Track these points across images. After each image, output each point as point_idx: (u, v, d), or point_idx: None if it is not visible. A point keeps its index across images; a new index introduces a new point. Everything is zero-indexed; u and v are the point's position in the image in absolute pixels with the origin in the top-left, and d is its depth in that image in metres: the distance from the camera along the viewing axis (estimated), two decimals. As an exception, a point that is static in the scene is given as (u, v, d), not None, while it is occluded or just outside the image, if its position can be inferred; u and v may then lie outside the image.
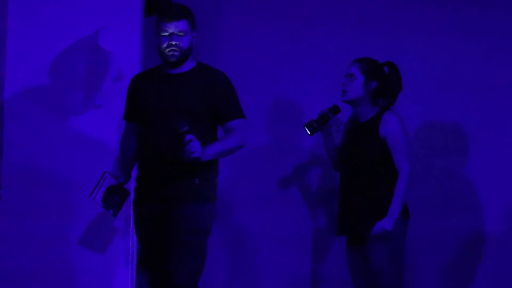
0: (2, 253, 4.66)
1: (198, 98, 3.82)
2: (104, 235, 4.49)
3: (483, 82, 5.19)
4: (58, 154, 4.45)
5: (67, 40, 4.54)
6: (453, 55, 5.20)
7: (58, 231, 4.53)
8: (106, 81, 4.55)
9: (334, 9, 5.32)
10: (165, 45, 3.81)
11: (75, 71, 4.54)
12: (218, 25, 5.46)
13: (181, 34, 3.81)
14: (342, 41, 5.24)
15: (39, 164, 4.51)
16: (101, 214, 4.48)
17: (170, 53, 3.82)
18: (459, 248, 5.20)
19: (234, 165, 5.22)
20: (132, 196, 4.04)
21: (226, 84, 3.91)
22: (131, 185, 4.02)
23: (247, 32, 5.41)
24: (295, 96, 5.34)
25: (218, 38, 5.45)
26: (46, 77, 4.55)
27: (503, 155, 5.16)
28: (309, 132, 4.41)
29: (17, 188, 4.52)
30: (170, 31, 3.79)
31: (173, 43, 3.79)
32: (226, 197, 5.21)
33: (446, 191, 5.20)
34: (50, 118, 4.44)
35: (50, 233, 4.64)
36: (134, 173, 4.03)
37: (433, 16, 5.20)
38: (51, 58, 4.58)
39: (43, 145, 4.47)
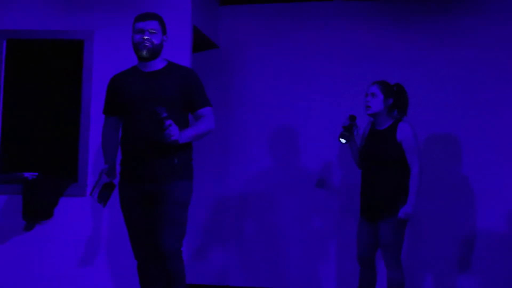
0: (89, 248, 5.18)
1: (172, 90, 3.90)
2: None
3: (476, 101, 5.65)
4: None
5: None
6: (452, 80, 5.70)
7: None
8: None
9: (341, 49, 5.90)
10: (138, 39, 3.93)
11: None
12: (245, 62, 6.05)
13: (153, 31, 3.93)
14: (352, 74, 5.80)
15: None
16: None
17: (142, 45, 3.90)
18: (456, 237, 5.64)
19: (274, 173, 5.95)
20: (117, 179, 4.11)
21: (195, 79, 4.00)
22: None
23: (269, 70, 6.01)
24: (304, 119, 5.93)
25: (246, 75, 6.04)
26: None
27: (492, 159, 5.60)
28: (344, 141, 4.70)
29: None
30: (143, 28, 3.93)
31: (145, 37, 3.90)
32: (268, 194, 5.94)
33: (445, 187, 5.64)
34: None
35: (116, 227, 4.98)
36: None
37: (440, 51, 5.72)
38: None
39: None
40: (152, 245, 3.91)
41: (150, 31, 3.92)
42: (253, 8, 6.08)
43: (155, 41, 3.92)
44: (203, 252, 6.12)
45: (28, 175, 5.19)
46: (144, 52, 3.90)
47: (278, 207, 5.98)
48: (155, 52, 3.94)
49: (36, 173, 5.23)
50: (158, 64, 3.98)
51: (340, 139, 4.70)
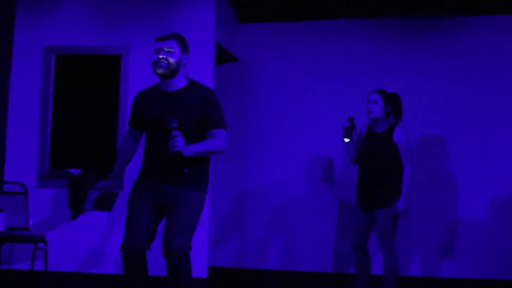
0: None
1: (189, 111, 3.81)
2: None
3: (461, 107, 5.94)
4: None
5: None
6: (441, 89, 5.99)
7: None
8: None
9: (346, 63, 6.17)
10: (155, 59, 3.85)
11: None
12: (261, 72, 6.36)
13: (169, 50, 3.82)
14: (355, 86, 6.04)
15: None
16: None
17: (158, 64, 3.80)
18: (441, 225, 5.89)
19: (287, 171, 6.22)
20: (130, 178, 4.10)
21: (213, 99, 3.88)
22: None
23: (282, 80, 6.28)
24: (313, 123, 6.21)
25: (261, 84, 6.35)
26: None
27: (475, 157, 5.88)
28: (348, 140, 4.91)
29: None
30: (160, 47, 3.84)
31: (161, 56, 3.80)
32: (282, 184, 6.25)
33: (433, 181, 5.91)
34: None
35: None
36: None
37: (432, 63, 5.98)
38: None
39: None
40: (145, 241, 3.84)
41: (167, 50, 3.81)
42: (269, 25, 6.39)
43: (172, 60, 3.81)
44: (222, 238, 6.41)
45: (73, 171, 5.35)
46: (159, 71, 3.81)
47: (289, 198, 6.25)
48: (171, 71, 3.83)
49: (80, 170, 5.40)
50: (178, 83, 3.88)
51: (344, 139, 4.90)
